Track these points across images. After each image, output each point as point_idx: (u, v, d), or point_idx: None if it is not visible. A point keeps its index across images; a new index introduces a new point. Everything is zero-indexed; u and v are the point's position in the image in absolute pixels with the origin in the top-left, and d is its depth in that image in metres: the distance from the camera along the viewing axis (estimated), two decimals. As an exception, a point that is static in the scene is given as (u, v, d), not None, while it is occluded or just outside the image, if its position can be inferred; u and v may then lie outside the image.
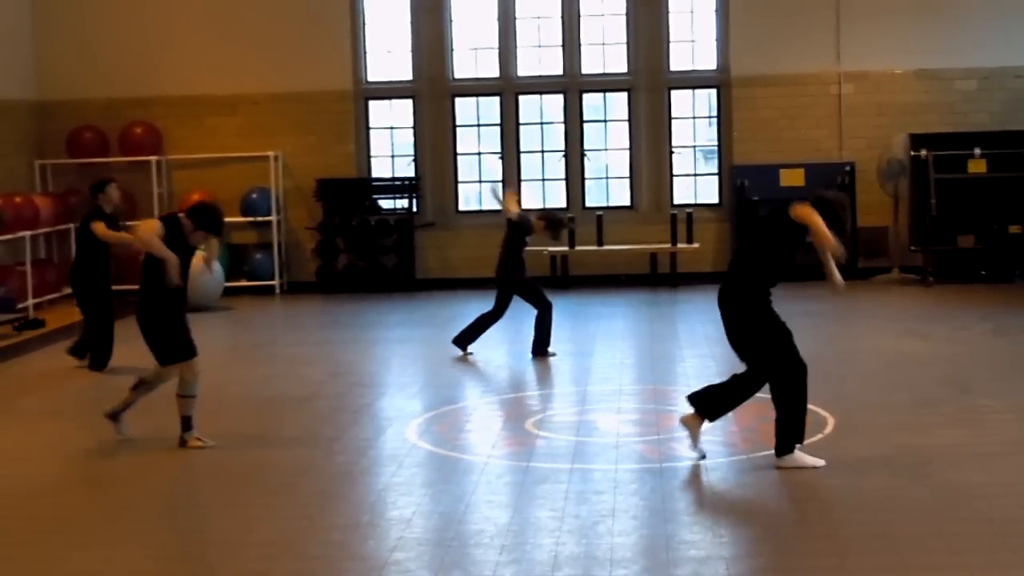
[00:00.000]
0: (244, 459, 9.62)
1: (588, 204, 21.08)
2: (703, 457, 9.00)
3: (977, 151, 19.16)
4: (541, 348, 13.68)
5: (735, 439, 9.67)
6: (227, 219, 20.53)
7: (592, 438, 9.99)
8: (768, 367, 8.71)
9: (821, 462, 8.68)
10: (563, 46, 21.04)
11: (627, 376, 12.69)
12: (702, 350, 13.88)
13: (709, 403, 8.99)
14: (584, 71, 21.06)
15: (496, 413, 11.15)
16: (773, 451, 8.76)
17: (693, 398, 9.06)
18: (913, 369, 12.47)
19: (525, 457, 9.35)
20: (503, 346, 14.31)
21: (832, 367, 12.79)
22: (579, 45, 21.04)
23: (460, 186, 21.36)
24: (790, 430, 8.70)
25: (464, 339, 13.93)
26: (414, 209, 20.72)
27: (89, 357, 13.51)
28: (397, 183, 20.89)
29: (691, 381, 12.07)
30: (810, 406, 10.53)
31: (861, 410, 10.50)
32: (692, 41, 21.02)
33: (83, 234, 13.40)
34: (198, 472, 9.41)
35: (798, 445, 8.73)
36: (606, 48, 21.11)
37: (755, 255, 8.87)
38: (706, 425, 9.03)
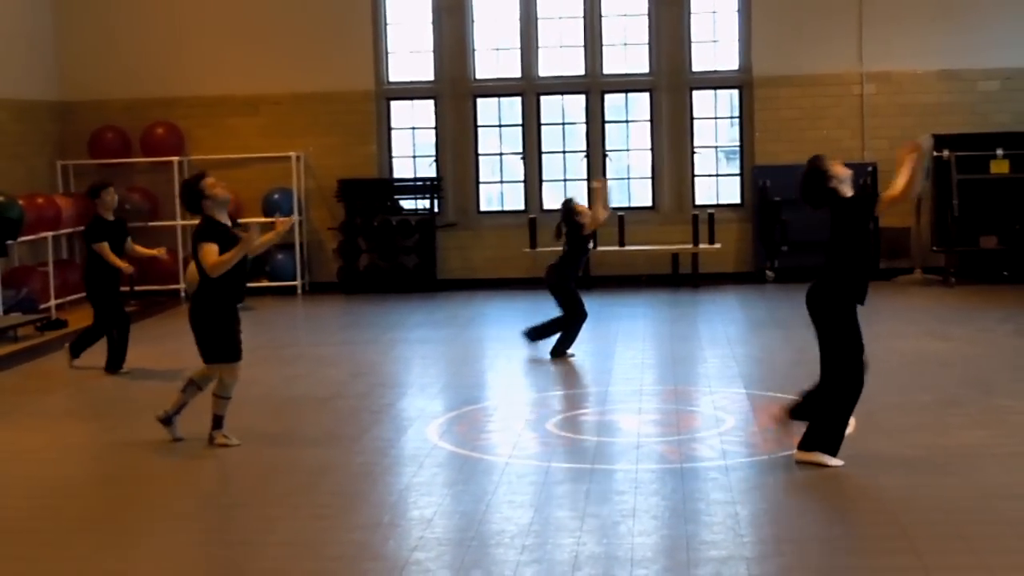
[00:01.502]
0: (266, 458, 9.65)
1: (610, 204, 21.05)
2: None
3: (1000, 152, 19.12)
4: (561, 350, 13.66)
5: (756, 439, 9.66)
6: (250, 220, 20.69)
7: (613, 438, 9.99)
8: (833, 368, 8.72)
9: (840, 462, 8.67)
10: (585, 46, 21.05)
11: (648, 377, 12.69)
12: (723, 351, 13.88)
13: (823, 439, 8.76)
14: (606, 71, 21.07)
15: (517, 413, 11.15)
16: (796, 447, 8.76)
17: (804, 446, 8.80)
18: (935, 369, 12.43)
19: (546, 457, 9.36)
20: (525, 346, 14.29)
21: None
22: (601, 45, 21.05)
23: (481, 186, 21.39)
24: (823, 434, 8.69)
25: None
26: (435, 209, 20.75)
27: (106, 360, 13.57)
28: (419, 183, 20.92)
29: (712, 382, 12.08)
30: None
31: (882, 410, 10.47)
32: (714, 41, 21.02)
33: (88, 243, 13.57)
34: (221, 471, 9.45)
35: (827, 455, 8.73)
36: (628, 48, 21.12)
37: (839, 255, 8.79)
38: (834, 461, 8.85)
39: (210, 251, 9.67)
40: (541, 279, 20.96)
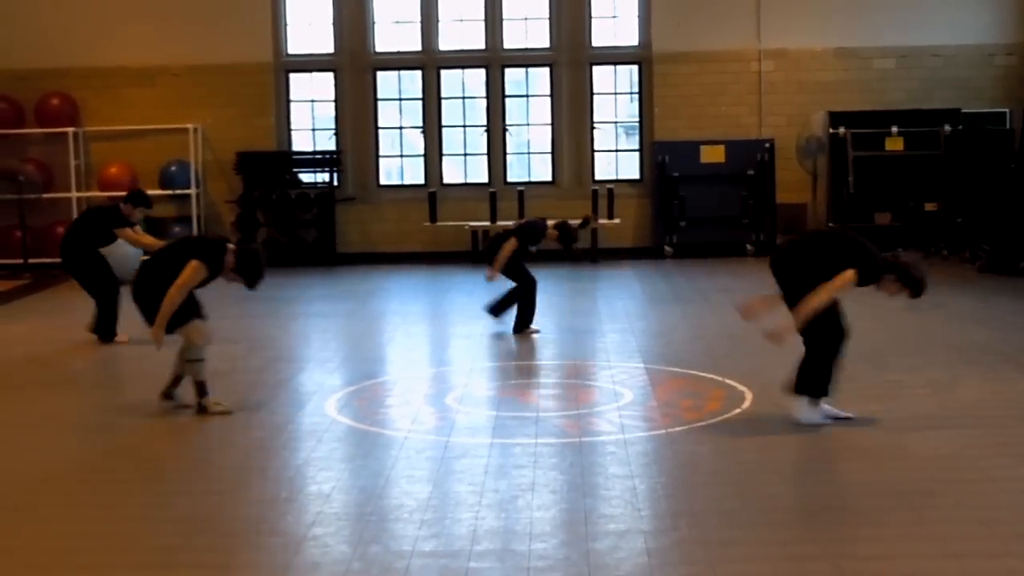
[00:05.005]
0: (161, 434, 9.55)
1: (510, 179, 21.11)
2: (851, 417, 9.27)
3: (894, 129, 19.38)
4: (523, 325, 13.54)
5: (654, 414, 9.72)
6: (147, 192, 20.33)
7: (512, 413, 10.00)
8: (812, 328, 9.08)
9: (818, 419, 9.10)
10: (485, 20, 21.02)
11: (548, 351, 12.71)
12: (623, 324, 13.95)
13: (809, 383, 9.17)
14: (506, 46, 21.05)
15: (416, 388, 11.12)
16: (693, 420, 8.84)
17: (796, 388, 9.22)
18: (830, 345, 12.55)
19: (445, 432, 9.35)
20: (425, 320, 14.28)
21: (749, 342, 12.88)
22: (501, 20, 21.03)
23: (381, 160, 21.32)
24: (807, 377, 9.12)
25: (522, 323, 13.65)
26: (335, 183, 20.64)
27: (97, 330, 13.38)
28: (318, 157, 20.80)
29: (611, 356, 12.13)
30: (726, 380, 10.69)
31: (777, 384, 10.56)
32: (614, 17, 21.08)
33: (95, 223, 13.38)
34: (114, 448, 9.33)
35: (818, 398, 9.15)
36: (528, 23, 21.11)
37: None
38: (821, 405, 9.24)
39: (197, 270, 9.78)
40: (440, 253, 21.03)
